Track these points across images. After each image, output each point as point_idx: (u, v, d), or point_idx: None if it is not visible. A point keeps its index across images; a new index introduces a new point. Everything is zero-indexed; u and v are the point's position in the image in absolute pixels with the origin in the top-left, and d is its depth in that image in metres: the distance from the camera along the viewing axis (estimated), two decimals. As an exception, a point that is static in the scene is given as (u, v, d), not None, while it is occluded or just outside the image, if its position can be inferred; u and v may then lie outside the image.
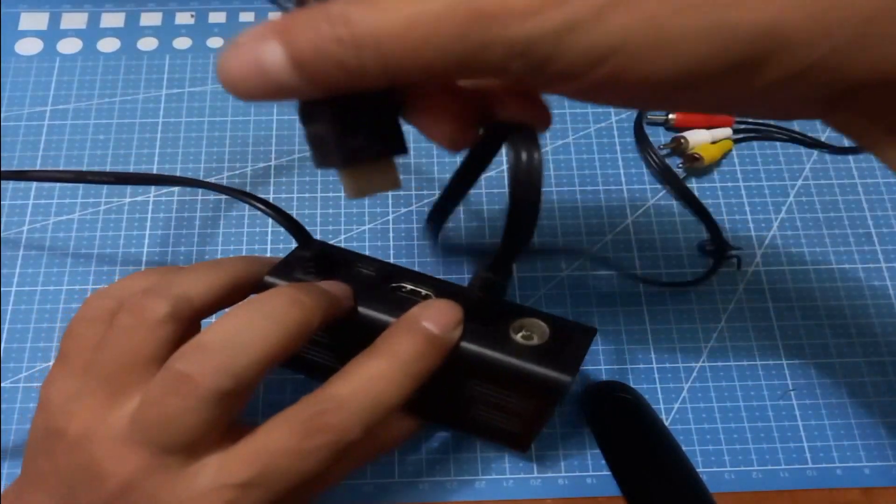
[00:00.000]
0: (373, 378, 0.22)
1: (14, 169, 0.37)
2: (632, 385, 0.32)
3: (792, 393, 0.32)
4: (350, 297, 0.25)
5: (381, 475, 0.30)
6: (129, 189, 0.37)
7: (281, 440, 0.22)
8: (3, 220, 0.36)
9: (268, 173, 0.37)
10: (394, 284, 0.26)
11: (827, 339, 0.34)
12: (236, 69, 0.17)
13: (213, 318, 0.25)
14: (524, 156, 0.19)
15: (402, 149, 0.21)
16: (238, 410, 0.22)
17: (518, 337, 0.24)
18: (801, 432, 0.32)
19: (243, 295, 0.26)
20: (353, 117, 0.19)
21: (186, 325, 0.23)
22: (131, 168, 0.37)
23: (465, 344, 0.24)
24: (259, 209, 0.27)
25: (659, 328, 0.34)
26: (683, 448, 0.30)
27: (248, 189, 0.37)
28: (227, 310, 0.24)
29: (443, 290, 0.26)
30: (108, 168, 0.37)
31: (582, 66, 0.16)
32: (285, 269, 0.26)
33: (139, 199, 0.36)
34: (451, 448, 0.31)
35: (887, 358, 0.33)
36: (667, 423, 0.31)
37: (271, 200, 0.36)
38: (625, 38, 0.16)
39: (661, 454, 0.30)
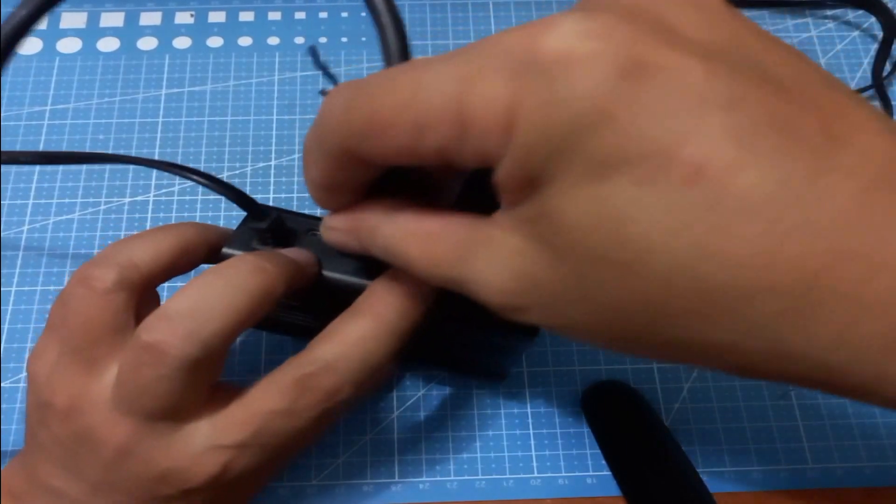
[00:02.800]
0: (360, 339, 0.23)
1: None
2: (632, 385, 0.32)
3: (792, 393, 0.32)
4: (313, 264, 0.25)
5: (380, 475, 0.30)
6: (128, 189, 0.37)
7: (273, 402, 0.22)
8: (3, 219, 0.36)
9: (268, 173, 0.37)
10: None
11: (827, 339, 0.34)
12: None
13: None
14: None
15: None
16: (215, 374, 0.23)
17: None
18: (801, 432, 0.32)
19: (195, 260, 0.26)
20: None
21: (139, 291, 0.23)
22: (130, 168, 0.37)
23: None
24: (200, 182, 0.25)
25: (659, 328, 0.34)
26: (683, 448, 0.30)
27: (248, 189, 0.37)
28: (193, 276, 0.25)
29: None
30: (107, 167, 0.37)
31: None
32: (242, 238, 0.26)
33: (139, 199, 0.36)
34: (451, 448, 0.31)
35: (887, 358, 0.33)
36: (667, 423, 0.31)
37: (271, 201, 0.36)
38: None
39: (661, 454, 0.30)
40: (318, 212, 0.34)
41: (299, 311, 0.27)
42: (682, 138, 0.14)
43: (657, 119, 0.15)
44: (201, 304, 0.21)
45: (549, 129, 0.15)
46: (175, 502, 0.23)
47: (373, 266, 0.24)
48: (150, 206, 0.36)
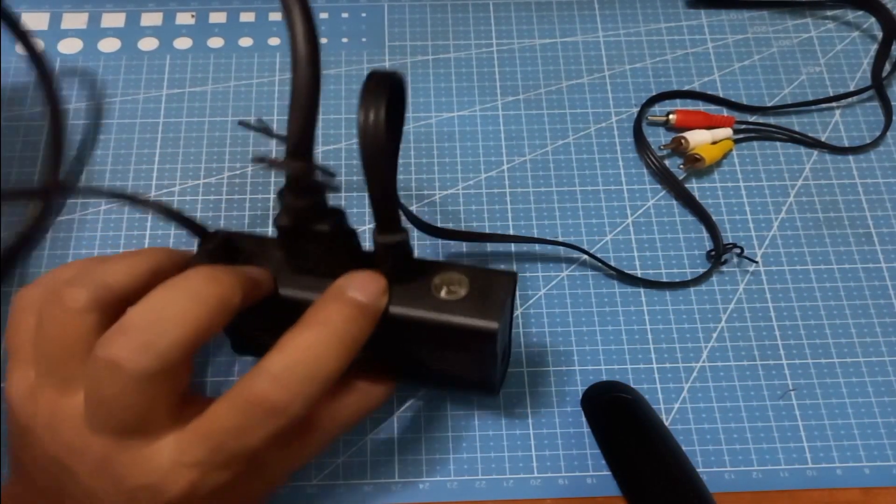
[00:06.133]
0: (306, 349, 0.23)
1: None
2: (632, 385, 0.32)
3: (792, 393, 0.32)
4: (269, 280, 0.25)
5: (380, 475, 0.30)
6: (129, 189, 0.37)
7: (224, 420, 0.22)
8: (2, 220, 0.36)
9: (268, 173, 0.37)
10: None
11: (827, 339, 0.34)
12: None
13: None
14: (370, 115, 0.21)
15: None
16: (180, 385, 0.23)
17: (441, 294, 0.25)
18: (801, 432, 0.32)
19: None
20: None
21: (111, 312, 0.23)
22: (131, 168, 0.37)
23: (392, 308, 0.25)
24: (150, 211, 0.26)
25: (659, 328, 0.34)
26: (683, 448, 0.31)
27: (248, 189, 0.37)
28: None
29: (357, 259, 0.25)
30: (108, 168, 0.37)
31: None
32: (201, 262, 0.26)
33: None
34: (451, 448, 0.31)
35: (887, 358, 0.33)
36: (667, 423, 0.31)
37: (272, 199, 0.36)
38: None
39: (661, 454, 0.30)
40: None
41: (269, 334, 0.27)
42: None
43: None
44: (156, 315, 0.21)
45: None
46: None
47: (328, 283, 0.25)
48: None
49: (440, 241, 0.35)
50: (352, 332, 0.23)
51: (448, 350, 0.26)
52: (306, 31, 0.20)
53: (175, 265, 0.26)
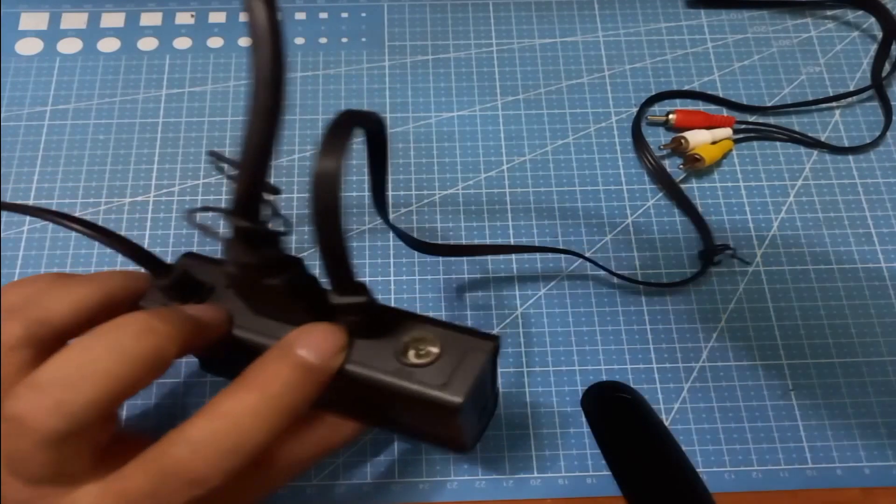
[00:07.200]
0: (235, 417, 0.21)
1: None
2: (632, 385, 0.32)
3: (792, 393, 0.32)
4: (223, 321, 0.23)
5: (380, 475, 0.30)
6: (129, 189, 0.37)
7: (138, 484, 0.20)
8: (3, 219, 0.36)
9: (270, 173, 0.37)
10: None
11: (827, 339, 0.34)
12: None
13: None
14: (328, 161, 0.18)
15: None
16: (100, 439, 0.22)
17: (407, 356, 0.23)
18: (801, 432, 0.32)
19: (119, 311, 0.23)
20: None
21: (47, 347, 0.22)
22: (131, 168, 0.37)
23: (350, 367, 0.22)
24: (102, 241, 0.23)
25: (659, 328, 0.34)
26: (683, 448, 0.30)
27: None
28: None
29: (318, 307, 0.23)
30: (108, 167, 0.37)
31: None
32: (153, 297, 0.25)
33: (139, 199, 0.36)
34: (451, 448, 0.31)
35: (887, 358, 0.33)
36: (667, 423, 0.31)
37: (272, 199, 0.36)
38: None
39: (661, 454, 0.30)
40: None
41: (231, 363, 0.25)
42: None
43: None
44: (75, 371, 0.20)
45: None
46: None
47: (287, 330, 0.23)
48: (150, 207, 0.36)
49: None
50: (291, 400, 0.21)
51: (412, 413, 0.24)
52: (273, 76, 0.18)
53: (130, 294, 0.24)
